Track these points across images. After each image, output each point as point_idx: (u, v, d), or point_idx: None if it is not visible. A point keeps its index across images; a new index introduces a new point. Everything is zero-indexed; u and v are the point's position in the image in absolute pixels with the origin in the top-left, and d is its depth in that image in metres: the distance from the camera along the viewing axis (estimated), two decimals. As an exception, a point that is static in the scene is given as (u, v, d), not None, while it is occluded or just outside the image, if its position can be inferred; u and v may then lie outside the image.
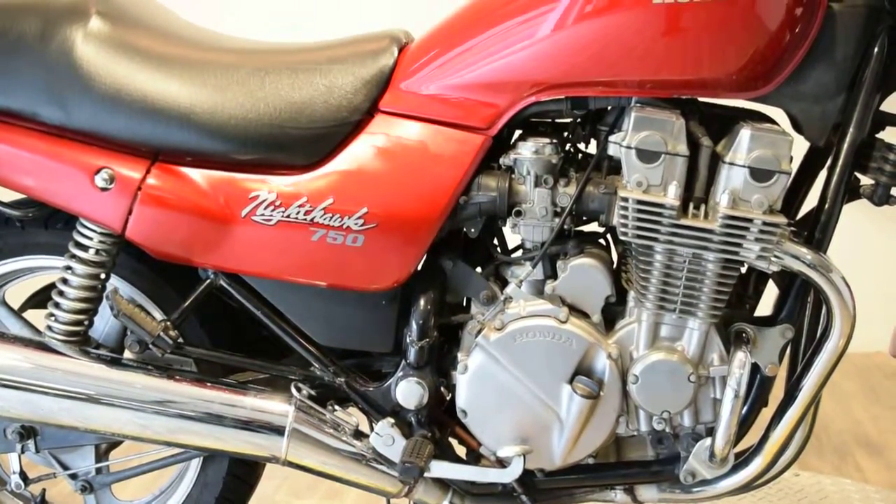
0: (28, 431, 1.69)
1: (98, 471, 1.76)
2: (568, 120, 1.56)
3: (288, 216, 1.52)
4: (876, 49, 1.47)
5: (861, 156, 1.50)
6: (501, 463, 1.54)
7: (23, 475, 1.75)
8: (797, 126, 1.52)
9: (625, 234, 1.45)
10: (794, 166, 1.53)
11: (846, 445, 2.39)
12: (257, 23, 3.08)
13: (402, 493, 1.58)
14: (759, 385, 1.53)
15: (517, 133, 1.56)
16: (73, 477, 1.76)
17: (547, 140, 1.50)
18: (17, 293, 1.76)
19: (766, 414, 1.55)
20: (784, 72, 1.44)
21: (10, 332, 1.69)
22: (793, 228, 1.50)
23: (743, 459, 1.55)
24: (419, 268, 1.56)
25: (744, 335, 1.50)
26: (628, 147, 1.44)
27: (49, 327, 1.61)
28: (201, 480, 1.72)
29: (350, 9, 3.07)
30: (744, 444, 1.56)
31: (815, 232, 1.49)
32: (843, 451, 2.37)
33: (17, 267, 1.71)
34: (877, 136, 1.54)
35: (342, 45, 1.60)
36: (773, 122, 1.50)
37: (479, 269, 1.58)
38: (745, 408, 1.53)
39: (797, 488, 2.11)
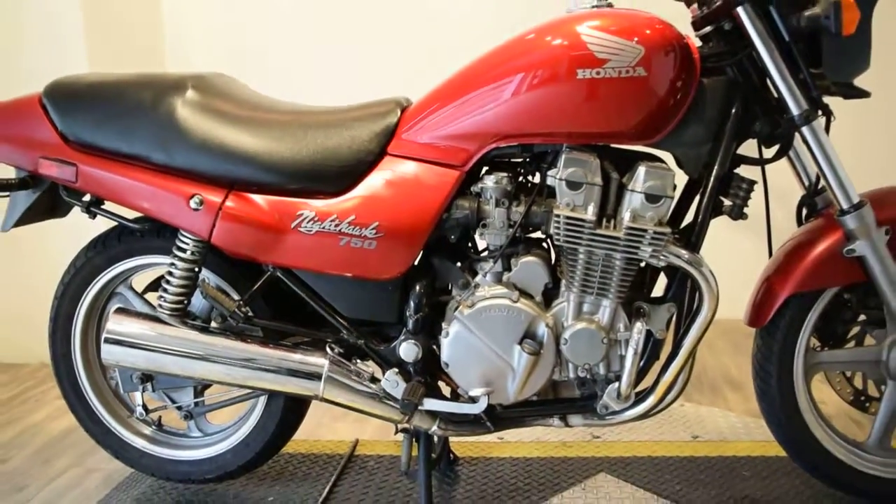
0: (147, 377, 1.64)
1: (196, 404, 1.69)
2: (519, 159, 1.50)
3: (323, 228, 1.46)
4: (734, 111, 1.41)
5: (724, 185, 1.45)
6: (472, 399, 1.47)
7: (144, 407, 1.69)
8: (679, 164, 1.45)
9: (558, 239, 1.39)
10: (678, 192, 1.47)
11: (717, 383, 2.32)
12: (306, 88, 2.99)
13: (404, 421, 1.51)
14: (652, 345, 1.46)
15: (485, 168, 1.50)
16: (179, 408, 1.69)
17: (504, 174, 1.43)
18: (141, 281, 1.71)
19: (659, 365, 1.50)
20: (669, 126, 1.38)
21: (135, 309, 1.64)
22: (676, 235, 1.43)
23: (641, 397, 1.48)
24: (416, 262, 1.49)
25: (641, 310, 1.44)
26: (560, 179, 1.38)
27: (160, 305, 1.56)
28: (266, 411, 1.65)
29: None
30: (644, 385, 1.50)
31: (692, 237, 1.43)
32: (715, 387, 2.30)
33: (139, 263, 1.64)
34: (735, 171, 1.49)
35: (361, 108, 1.53)
36: (662, 161, 1.45)
37: (458, 264, 1.51)
38: (642, 361, 1.46)
39: (681, 415, 2.05)
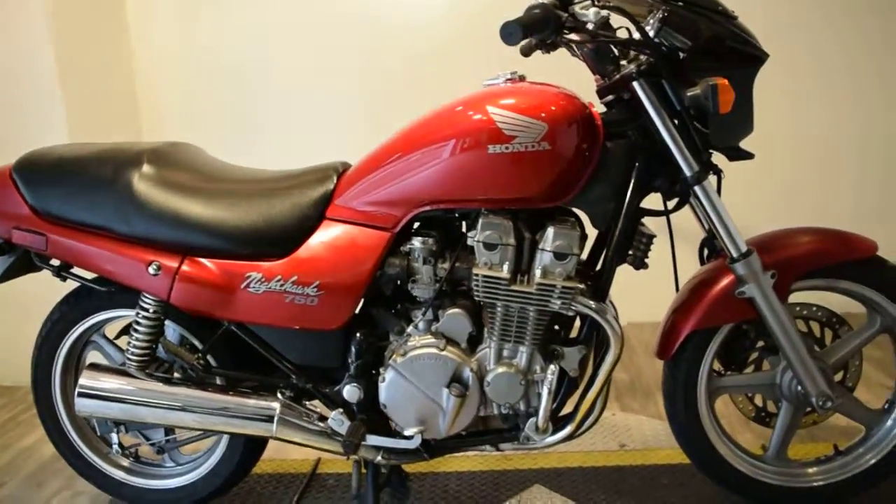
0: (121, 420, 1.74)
1: (167, 440, 1.79)
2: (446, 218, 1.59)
3: (270, 288, 1.56)
4: (635, 171, 1.51)
5: (628, 238, 1.55)
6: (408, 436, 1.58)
7: (120, 445, 1.78)
8: (589, 218, 1.56)
9: (477, 295, 1.50)
10: (590, 243, 1.58)
11: (651, 389, 2.43)
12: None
13: (350, 455, 1.61)
14: (567, 382, 1.56)
15: (417, 224, 1.57)
16: (152, 444, 1.80)
17: (430, 237, 1.53)
18: (114, 328, 1.80)
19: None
20: (575, 189, 1.47)
21: (105, 364, 1.73)
22: (588, 283, 1.53)
23: (561, 424, 1.58)
24: (357, 312, 1.58)
25: (556, 352, 1.55)
26: (477, 241, 1.48)
27: (128, 358, 1.65)
28: (231, 443, 1.76)
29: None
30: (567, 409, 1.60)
31: (599, 286, 1.54)
32: (648, 393, 2.41)
33: (109, 316, 1.74)
34: (640, 223, 1.58)
35: (302, 175, 1.62)
36: (574, 216, 1.55)
37: (395, 312, 1.61)
38: (560, 396, 1.58)
39: (611, 424, 2.16)
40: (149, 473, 1.85)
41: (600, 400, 1.60)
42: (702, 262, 1.71)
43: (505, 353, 1.54)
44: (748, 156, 1.52)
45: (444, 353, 1.53)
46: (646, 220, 1.57)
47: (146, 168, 1.59)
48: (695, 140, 1.48)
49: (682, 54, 1.44)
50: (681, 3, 1.41)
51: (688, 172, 1.47)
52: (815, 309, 1.69)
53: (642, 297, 2.25)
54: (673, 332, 1.63)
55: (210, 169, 1.67)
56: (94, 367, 1.65)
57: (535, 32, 1.28)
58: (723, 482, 1.73)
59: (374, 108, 3.01)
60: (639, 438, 2.09)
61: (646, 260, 1.55)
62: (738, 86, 1.40)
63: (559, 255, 1.46)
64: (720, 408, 1.75)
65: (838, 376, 1.70)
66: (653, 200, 1.58)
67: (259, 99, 3.10)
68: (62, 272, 1.68)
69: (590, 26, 1.38)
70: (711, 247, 1.68)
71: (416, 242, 1.53)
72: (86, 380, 1.61)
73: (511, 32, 1.24)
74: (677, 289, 1.71)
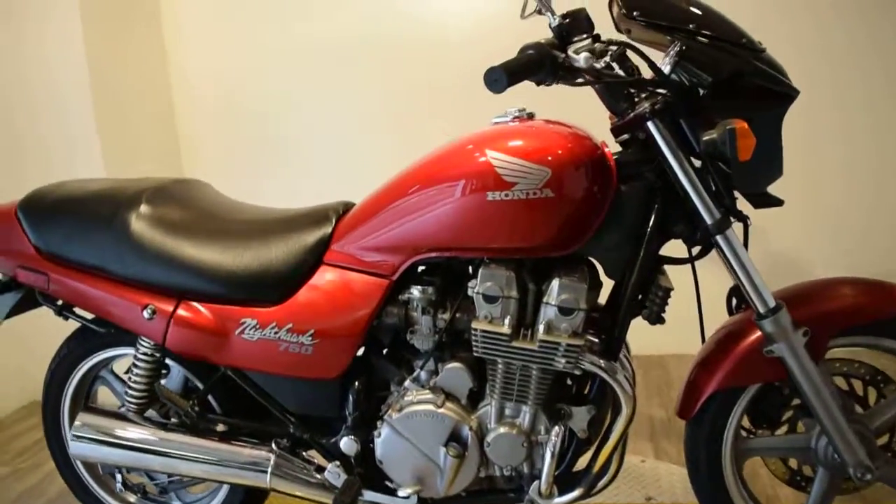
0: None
1: (170, 481, 1.75)
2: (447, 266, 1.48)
3: (264, 335, 1.49)
4: (653, 217, 1.37)
5: (643, 290, 1.41)
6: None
7: (123, 484, 1.76)
8: (602, 267, 1.43)
9: (476, 351, 1.39)
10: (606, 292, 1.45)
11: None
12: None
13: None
14: (576, 443, 1.45)
15: (421, 268, 1.48)
16: (156, 484, 1.77)
17: (430, 285, 1.43)
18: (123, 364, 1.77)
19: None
20: (584, 237, 1.35)
21: (102, 408, 1.70)
22: (593, 340, 1.40)
23: (570, 485, 1.46)
24: (357, 361, 1.49)
25: (562, 412, 1.43)
26: (477, 292, 1.37)
27: (125, 402, 1.61)
28: (232, 487, 1.70)
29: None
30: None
31: (611, 343, 1.41)
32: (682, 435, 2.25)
33: (115, 353, 1.70)
34: (661, 270, 1.45)
35: (301, 216, 1.54)
36: (587, 264, 1.42)
37: (394, 362, 1.52)
38: (569, 457, 1.46)
39: (639, 474, 2.02)
40: (156, 513, 1.81)
41: (615, 459, 1.47)
42: (730, 312, 1.55)
43: (507, 411, 1.43)
44: (776, 203, 1.36)
45: (441, 410, 1.42)
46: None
47: (143, 208, 1.54)
48: (717, 184, 1.33)
49: (701, 91, 1.29)
50: (701, 36, 1.26)
51: (708, 221, 1.32)
52: (857, 366, 1.51)
53: (685, 327, 2.09)
54: (695, 390, 1.48)
55: (211, 208, 1.62)
56: (90, 409, 1.62)
57: (524, 78, 1.15)
58: (749, 550, 1.57)
59: (404, 135, 2.93)
60: (668, 490, 1.94)
61: (662, 315, 1.41)
62: (764, 127, 1.26)
63: (564, 310, 1.34)
64: (753, 466, 1.58)
65: (883, 440, 1.52)
66: (675, 246, 1.45)
67: (292, 126, 3.09)
68: (64, 311, 1.65)
69: (590, 65, 1.24)
70: (740, 296, 1.52)
71: (415, 291, 1.43)
72: (80, 423, 1.57)
73: (496, 79, 1.12)
74: (703, 340, 1.56)
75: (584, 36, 1.23)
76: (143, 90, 2.97)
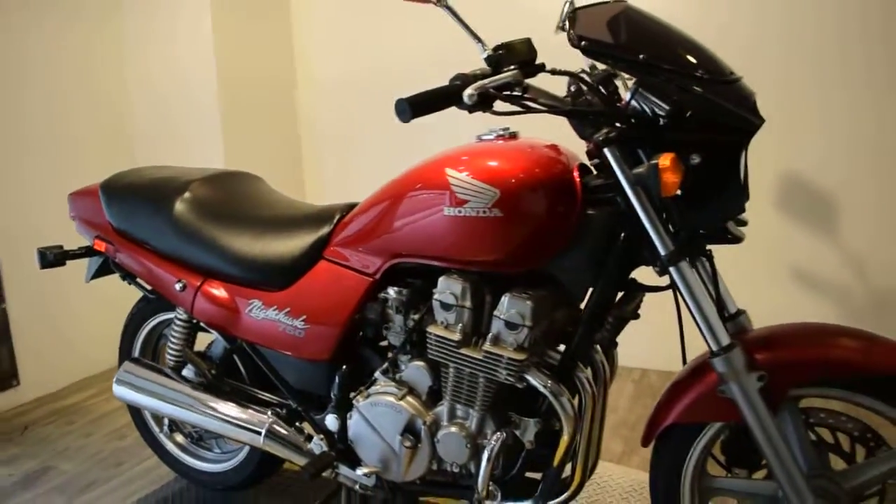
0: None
1: (206, 430, 1.99)
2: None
3: (267, 315, 1.68)
4: (619, 242, 1.38)
5: (599, 313, 1.42)
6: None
7: (169, 426, 2.07)
8: (566, 287, 1.45)
9: (431, 353, 1.48)
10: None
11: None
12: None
13: (310, 479, 1.62)
14: (525, 453, 1.49)
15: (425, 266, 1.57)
16: (196, 431, 2.04)
17: (405, 288, 1.54)
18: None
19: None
20: (543, 256, 1.39)
21: (147, 362, 1.95)
22: (556, 356, 1.44)
23: (517, 495, 1.50)
24: (346, 348, 1.63)
25: (512, 420, 1.48)
26: (436, 299, 1.46)
27: (166, 356, 1.89)
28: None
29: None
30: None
31: (564, 363, 1.43)
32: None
33: (169, 317, 1.99)
34: (631, 298, 1.45)
35: (312, 213, 1.70)
36: (556, 283, 1.45)
37: (379, 354, 1.64)
38: (519, 465, 1.50)
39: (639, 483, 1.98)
40: (197, 455, 2.10)
41: (576, 476, 1.49)
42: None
43: (458, 412, 1.50)
44: (733, 240, 1.31)
45: (400, 402, 1.53)
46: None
47: (187, 195, 1.78)
48: (672, 216, 1.31)
49: (661, 121, 1.28)
50: (648, 68, 1.25)
51: (662, 251, 1.31)
52: (843, 419, 1.41)
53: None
54: (655, 418, 1.46)
55: (245, 200, 1.82)
56: (135, 360, 1.90)
57: (433, 110, 1.21)
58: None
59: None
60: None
61: (614, 340, 1.41)
62: (717, 160, 1.22)
63: (510, 325, 1.39)
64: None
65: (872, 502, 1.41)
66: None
67: (413, 125, 3.22)
68: (127, 278, 1.95)
69: (472, 101, 1.21)
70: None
71: (391, 292, 1.55)
72: (123, 371, 1.86)
73: (402, 111, 1.19)
74: (685, 361, 1.52)
75: (512, 67, 1.26)
76: (268, 84, 3.29)
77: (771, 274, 2.78)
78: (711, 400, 1.37)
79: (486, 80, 1.19)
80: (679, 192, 1.28)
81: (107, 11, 3.15)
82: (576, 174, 1.39)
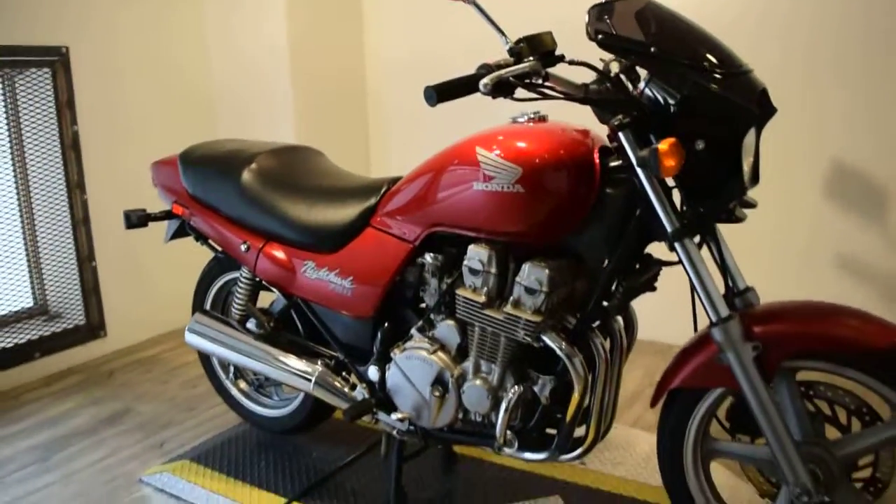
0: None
1: (266, 378, 2.23)
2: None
3: (319, 276, 1.88)
4: (633, 220, 1.51)
5: (609, 285, 1.56)
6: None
7: (234, 374, 2.32)
8: (586, 260, 1.58)
9: (460, 314, 1.65)
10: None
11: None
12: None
13: (349, 421, 1.83)
14: (542, 409, 1.63)
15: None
16: (257, 378, 2.29)
17: (441, 254, 1.70)
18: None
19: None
20: (563, 230, 1.53)
21: (215, 313, 2.20)
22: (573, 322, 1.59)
23: (533, 447, 1.65)
24: (389, 307, 1.81)
25: (531, 377, 1.63)
26: (465, 265, 1.63)
27: (233, 310, 2.13)
28: (306, 394, 2.14)
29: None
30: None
31: (579, 327, 1.58)
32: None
33: (236, 275, 2.23)
34: (645, 271, 1.58)
35: (362, 185, 1.89)
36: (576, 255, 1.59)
37: (416, 313, 1.81)
38: (536, 418, 1.65)
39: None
40: (258, 401, 2.34)
41: (590, 432, 1.62)
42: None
43: (482, 367, 1.67)
44: (736, 221, 1.42)
45: (431, 356, 1.71)
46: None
47: (254, 165, 2.00)
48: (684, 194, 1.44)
49: (672, 108, 1.40)
50: (656, 59, 1.37)
51: (668, 229, 1.44)
52: (841, 393, 1.51)
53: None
54: (662, 383, 1.59)
55: (306, 172, 2.03)
56: (204, 312, 2.15)
57: (456, 96, 1.36)
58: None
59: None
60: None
61: (625, 308, 1.55)
62: (718, 147, 1.34)
63: (529, 290, 1.54)
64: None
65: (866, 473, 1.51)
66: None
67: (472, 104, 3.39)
68: (200, 239, 2.20)
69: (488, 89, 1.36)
70: (731, 302, 1.59)
71: (428, 258, 1.73)
72: (194, 321, 2.11)
73: (429, 97, 1.35)
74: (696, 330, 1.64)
75: (532, 58, 1.40)
76: (338, 65, 3.51)
77: (810, 258, 2.83)
78: (711, 367, 1.49)
79: (503, 71, 1.35)
80: (682, 174, 1.41)
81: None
82: (596, 156, 1.53)
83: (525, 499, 1.98)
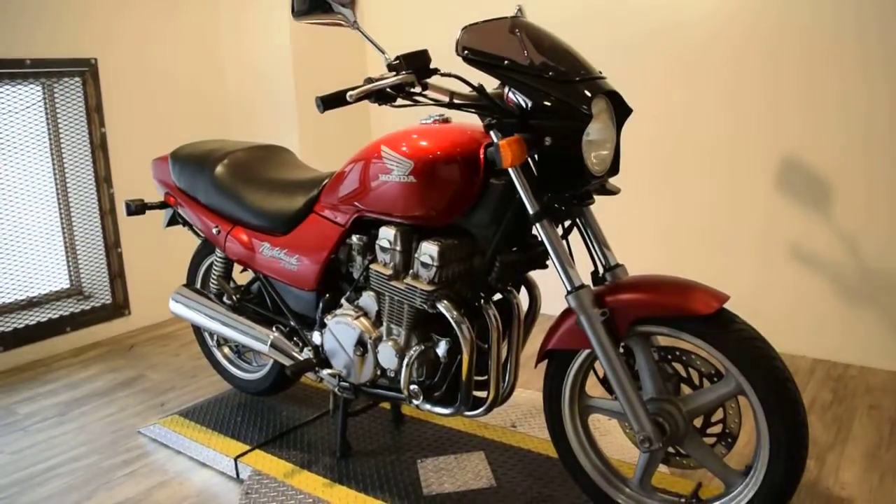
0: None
1: (243, 345, 2.62)
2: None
3: (272, 254, 2.23)
4: (512, 206, 1.78)
5: (491, 263, 1.84)
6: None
7: (218, 341, 2.70)
8: (477, 239, 1.87)
9: (373, 286, 1.97)
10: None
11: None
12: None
13: (293, 378, 2.20)
14: (443, 367, 1.92)
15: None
16: (237, 346, 2.68)
17: (364, 235, 2.02)
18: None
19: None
20: (451, 215, 1.81)
21: (195, 287, 2.59)
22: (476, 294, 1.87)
23: (438, 402, 1.94)
24: (329, 281, 2.14)
25: (432, 339, 1.92)
26: (377, 244, 1.95)
27: (210, 285, 2.51)
28: (275, 361, 2.51)
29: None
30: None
31: (470, 297, 1.87)
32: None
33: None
34: (529, 249, 1.87)
35: (311, 178, 2.20)
36: (468, 234, 1.89)
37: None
38: (438, 376, 1.94)
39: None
40: (238, 365, 2.72)
41: (492, 389, 1.89)
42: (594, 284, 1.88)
43: (392, 331, 1.98)
44: (588, 203, 1.70)
45: (355, 321, 2.03)
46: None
47: (227, 160, 2.37)
48: (538, 182, 1.71)
49: (527, 111, 1.67)
50: (509, 71, 1.65)
51: (530, 210, 1.72)
52: (693, 357, 1.74)
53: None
54: (542, 346, 1.87)
55: (271, 167, 2.37)
56: (186, 285, 2.54)
57: (337, 105, 1.65)
58: (584, 491, 1.91)
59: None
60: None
61: (502, 283, 1.83)
62: (562, 142, 1.62)
63: (424, 264, 1.85)
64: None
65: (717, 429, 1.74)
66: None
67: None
68: (188, 225, 2.59)
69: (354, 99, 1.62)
70: (596, 278, 1.85)
71: (354, 238, 2.05)
72: (176, 292, 2.51)
73: (317, 105, 1.66)
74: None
75: (404, 72, 1.69)
76: (340, 69, 3.88)
77: (759, 249, 3.02)
78: (573, 331, 1.75)
79: (371, 85, 1.65)
80: (539, 165, 1.69)
81: (206, 5, 3.87)
82: (482, 151, 1.82)
83: (453, 453, 2.28)
